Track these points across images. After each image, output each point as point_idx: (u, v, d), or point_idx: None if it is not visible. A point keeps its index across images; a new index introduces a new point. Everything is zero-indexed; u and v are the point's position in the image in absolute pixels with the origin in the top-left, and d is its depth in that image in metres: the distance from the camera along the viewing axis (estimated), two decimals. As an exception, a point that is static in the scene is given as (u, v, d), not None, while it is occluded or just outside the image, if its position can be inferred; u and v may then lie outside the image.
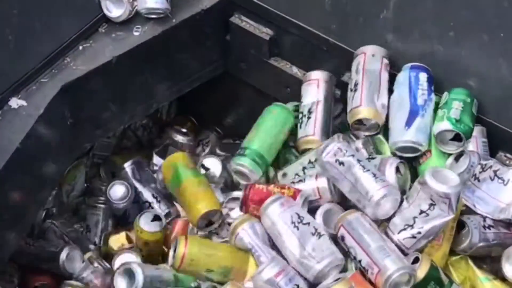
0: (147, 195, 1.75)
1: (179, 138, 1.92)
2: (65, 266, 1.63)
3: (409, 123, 1.39)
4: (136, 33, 1.54)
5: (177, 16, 1.56)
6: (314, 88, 1.52)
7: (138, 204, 1.76)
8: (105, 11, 1.53)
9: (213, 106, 1.90)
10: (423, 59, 1.42)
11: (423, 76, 1.42)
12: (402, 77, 1.44)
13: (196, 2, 1.59)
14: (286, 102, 1.66)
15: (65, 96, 1.47)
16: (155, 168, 1.85)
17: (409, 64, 1.43)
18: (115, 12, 1.54)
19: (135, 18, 1.55)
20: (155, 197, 1.74)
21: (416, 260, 1.27)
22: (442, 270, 1.28)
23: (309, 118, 1.49)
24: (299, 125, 1.51)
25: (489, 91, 1.38)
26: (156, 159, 1.88)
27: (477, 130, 1.40)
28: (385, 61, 1.45)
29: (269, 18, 1.58)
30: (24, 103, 1.43)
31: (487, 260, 1.38)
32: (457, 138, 1.37)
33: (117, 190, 1.71)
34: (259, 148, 1.49)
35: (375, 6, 1.45)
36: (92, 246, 1.75)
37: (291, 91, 1.64)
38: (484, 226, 1.33)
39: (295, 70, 1.62)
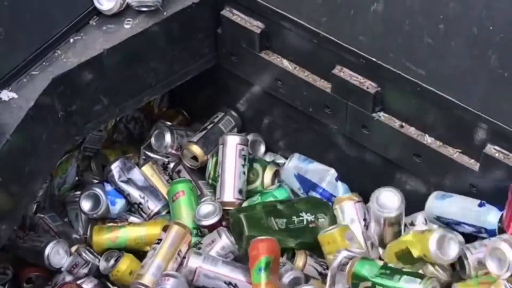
0: (135, 196, 1.75)
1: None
2: (50, 262, 1.64)
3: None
4: (127, 26, 1.54)
5: (168, 9, 1.56)
6: None
7: (130, 205, 1.77)
8: (96, 4, 1.53)
9: (205, 99, 1.91)
10: (413, 52, 1.43)
11: None
12: None
13: (187, -5, 1.59)
14: (277, 94, 1.67)
15: (56, 88, 1.47)
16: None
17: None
18: (106, 5, 1.53)
19: (126, 11, 1.55)
20: (143, 197, 1.75)
21: None
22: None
23: None
24: None
25: (479, 83, 1.38)
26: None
27: None
28: None
29: (260, 11, 1.58)
30: (15, 95, 1.43)
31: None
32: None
33: (87, 203, 1.72)
34: None
35: (365, -1, 1.45)
36: (77, 236, 1.76)
37: (282, 84, 1.64)
38: None
39: (286, 64, 1.62)
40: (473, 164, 1.45)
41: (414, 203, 1.66)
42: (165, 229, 1.61)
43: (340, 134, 1.64)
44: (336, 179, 1.72)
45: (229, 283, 1.52)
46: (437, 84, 1.40)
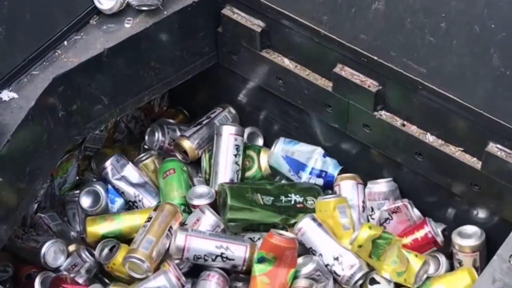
0: (129, 193, 1.75)
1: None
2: (46, 262, 1.64)
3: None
4: (127, 25, 1.54)
5: (168, 8, 1.56)
6: None
7: (125, 203, 1.77)
8: (96, 3, 1.53)
9: (205, 98, 1.90)
10: (415, 51, 1.43)
11: None
12: None
13: (187, -6, 1.59)
14: (278, 93, 1.67)
15: (56, 88, 1.47)
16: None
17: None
18: (106, 4, 1.53)
19: (126, 10, 1.55)
20: (137, 195, 1.74)
21: None
22: None
23: None
24: None
25: (480, 81, 1.38)
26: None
27: None
28: None
29: (260, 9, 1.57)
30: (15, 95, 1.43)
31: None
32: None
33: (86, 199, 1.72)
34: None
35: (366, -3, 1.45)
36: (75, 234, 1.75)
37: (283, 83, 1.64)
38: None
39: (286, 62, 1.61)
40: (475, 163, 1.44)
41: (416, 202, 1.66)
42: (155, 209, 1.62)
43: (341, 132, 1.63)
44: (324, 156, 1.72)
45: (220, 246, 1.53)
46: (439, 83, 1.40)
